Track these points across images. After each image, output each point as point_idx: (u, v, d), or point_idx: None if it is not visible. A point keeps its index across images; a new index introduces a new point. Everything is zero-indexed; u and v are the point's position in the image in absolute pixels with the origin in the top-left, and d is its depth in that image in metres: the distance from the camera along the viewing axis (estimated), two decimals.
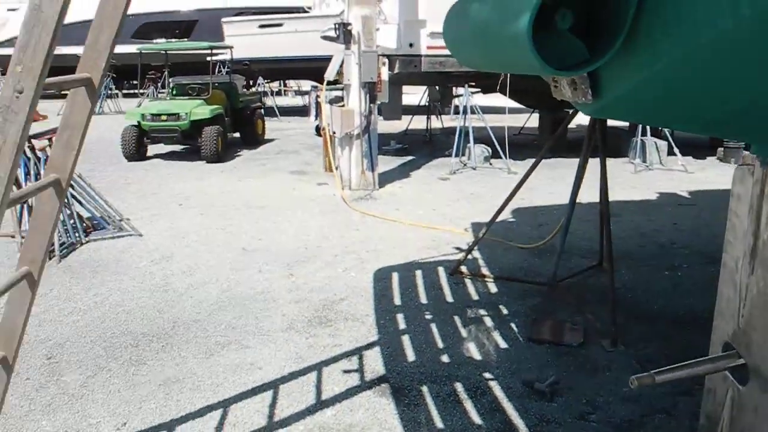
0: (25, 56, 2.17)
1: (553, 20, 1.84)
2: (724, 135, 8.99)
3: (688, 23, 1.57)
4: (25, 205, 7.33)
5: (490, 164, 13.31)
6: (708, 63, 1.65)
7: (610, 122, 6.52)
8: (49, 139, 7.44)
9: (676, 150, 14.18)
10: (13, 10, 31.94)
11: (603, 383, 4.43)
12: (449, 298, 5.97)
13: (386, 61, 11.75)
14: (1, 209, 2.23)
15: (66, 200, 7.60)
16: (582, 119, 6.78)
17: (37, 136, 7.34)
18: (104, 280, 6.44)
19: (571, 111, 6.45)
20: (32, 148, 7.31)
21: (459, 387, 4.38)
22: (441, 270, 6.66)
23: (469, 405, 4.16)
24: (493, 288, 6.22)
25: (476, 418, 4.02)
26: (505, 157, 12.87)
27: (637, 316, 5.58)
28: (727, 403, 2.80)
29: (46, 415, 4.06)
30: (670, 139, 14.16)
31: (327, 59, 12.79)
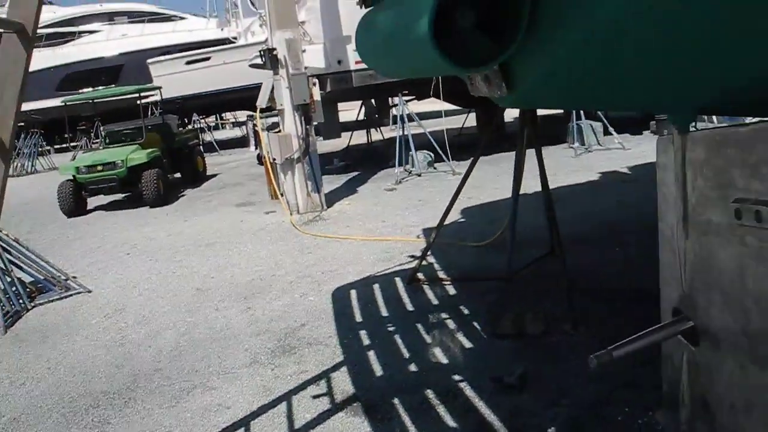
0: None
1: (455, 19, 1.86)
2: (638, 109, 9.25)
3: (583, 6, 1.61)
4: None
5: (435, 168, 13.42)
6: (609, 41, 1.69)
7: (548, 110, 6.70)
8: None
9: (611, 129, 14.55)
10: None
11: (569, 367, 4.47)
12: (409, 307, 5.97)
13: (316, 81, 11.78)
14: None
15: (5, 267, 7.35)
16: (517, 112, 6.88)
17: None
18: (56, 343, 6.23)
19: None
20: None
21: (430, 394, 4.36)
22: (398, 280, 6.66)
23: (441, 410, 4.14)
24: (451, 290, 6.24)
25: (450, 422, 4.00)
26: (448, 160, 13.00)
27: (595, 297, 5.65)
28: (684, 367, 2.85)
29: None
30: (604, 119, 14.52)
31: (259, 87, 12.77)
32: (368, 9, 3.01)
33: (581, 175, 11.44)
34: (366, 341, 5.35)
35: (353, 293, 6.49)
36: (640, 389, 4.05)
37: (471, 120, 18.60)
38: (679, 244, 2.69)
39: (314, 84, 11.30)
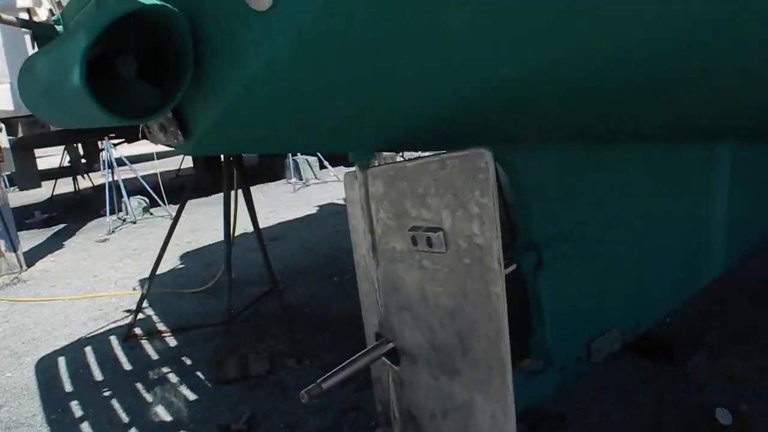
0: None
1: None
2: (317, 150, 9.82)
3: (239, 53, 1.64)
4: None
5: (151, 214, 12.82)
6: (269, 88, 1.73)
7: None
8: None
9: (326, 163, 15.28)
10: None
11: (296, 402, 4.51)
12: (127, 366, 5.55)
13: (2, 126, 10.55)
14: None
15: None
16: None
17: None
18: None
19: None
20: None
21: None
22: (113, 339, 6.17)
23: None
24: (172, 342, 5.95)
25: None
26: (165, 204, 12.51)
27: (316, 327, 5.82)
28: (391, 386, 3.04)
29: None
30: (319, 154, 15.21)
31: None
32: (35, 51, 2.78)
33: (300, 210, 11.79)
34: (78, 413, 4.84)
35: (62, 361, 5.86)
36: (365, 410, 4.24)
37: (188, 161, 18.18)
38: (372, 272, 2.87)
39: (0, 129, 10.11)
